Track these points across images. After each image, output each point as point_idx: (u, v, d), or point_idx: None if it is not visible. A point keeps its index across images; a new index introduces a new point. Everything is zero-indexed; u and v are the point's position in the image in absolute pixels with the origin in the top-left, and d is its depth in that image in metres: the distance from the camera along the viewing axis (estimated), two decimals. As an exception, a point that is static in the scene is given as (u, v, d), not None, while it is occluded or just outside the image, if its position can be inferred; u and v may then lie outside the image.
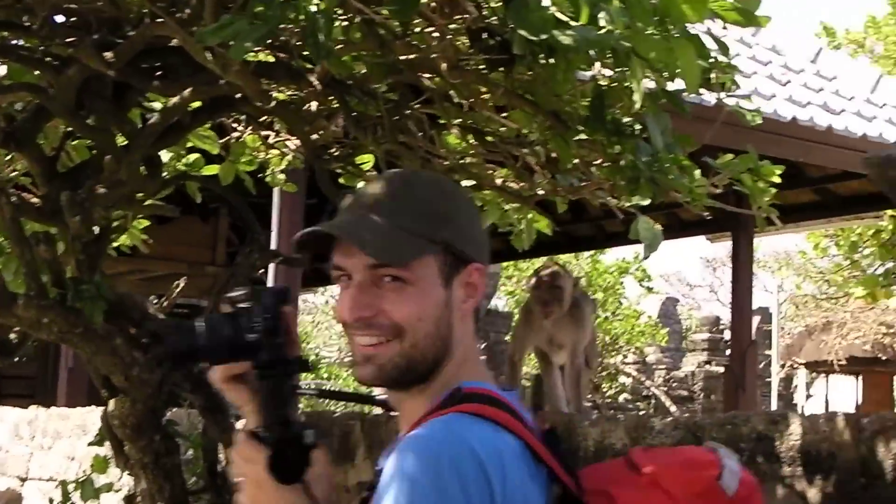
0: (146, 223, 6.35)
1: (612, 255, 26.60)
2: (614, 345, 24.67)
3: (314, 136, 4.83)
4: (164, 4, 4.35)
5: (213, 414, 5.81)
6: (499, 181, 4.83)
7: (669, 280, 39.00)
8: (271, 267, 9.09)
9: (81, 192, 4.59)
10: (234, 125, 5.64)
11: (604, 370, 25.17)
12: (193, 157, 6.02)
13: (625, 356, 26.40)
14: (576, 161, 4.70)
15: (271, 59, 4.54)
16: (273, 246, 9.16)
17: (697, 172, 4.52)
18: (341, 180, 5.51)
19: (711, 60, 4.38)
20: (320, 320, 39.21)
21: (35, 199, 4.93)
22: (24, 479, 8.32)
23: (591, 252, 25.54)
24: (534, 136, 4.71)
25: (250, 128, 5.53)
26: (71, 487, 6.22)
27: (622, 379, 26.69)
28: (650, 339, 26.80)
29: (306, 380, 30.49)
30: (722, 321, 29.00)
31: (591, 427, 4.46)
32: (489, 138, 4.88)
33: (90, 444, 5.79)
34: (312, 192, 7.58)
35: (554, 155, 4.73)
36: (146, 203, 5.47)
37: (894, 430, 3.51)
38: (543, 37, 3.53)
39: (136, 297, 5.61)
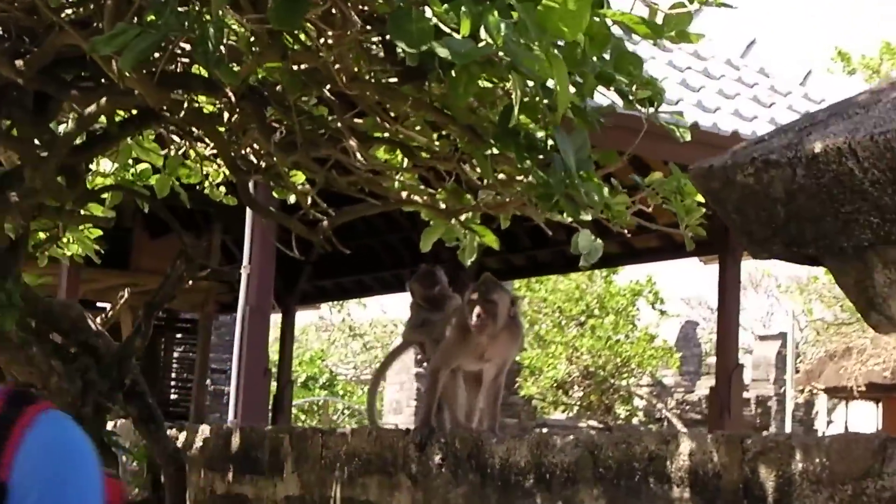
0: (97, 233, 6.32)
1: (626, 277, 26.53)
2: (626, 367, 24.52)
3: (232, 149, 4.81)
4: (72, 14, 4.36)
5: (146, 425, 5.79)
6: (420, 198, 4.80)
7: (690, 303, 38.73)
8: (243, 281, 9.09)
9: (-11, 201, 4.57)
10: (173, 137, 5.64)
11: (615, 392, 25.05)
12: (141, 166, 6.02)
13: (639, 379, 26.24)
14: (500, 176, 4.68)
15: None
16: (245, 256, 9.17)
17: (609, 191, 4.52)
18: (274, 194, 5.50)
19: (624, 77, 4.34)
20: (336, 338, 39.24)
21: (-44, 207, 4.92)
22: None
23: (605, 273, 25.45)
24: (459, 151, 4.68)
25: (185, 141, 5.53)
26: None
27: (636, 402, 26.54)
28: (662, 363, 26.62)
29: (318, 395, 30.50)
30: (739, 344, 28.84)
31: (497, 445, 4.41)
32: (423, 154, 4.86)
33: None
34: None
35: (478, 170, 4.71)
36: (80, 213, 5.45)
37: (776, 451, 3.45)
38: (423, 48, 3.51)
39: (69, 307, 5.60)
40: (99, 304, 15.22)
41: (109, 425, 6.21)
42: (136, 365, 5.83)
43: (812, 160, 2.18)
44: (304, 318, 42.58)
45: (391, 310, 42.59)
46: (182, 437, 6.30)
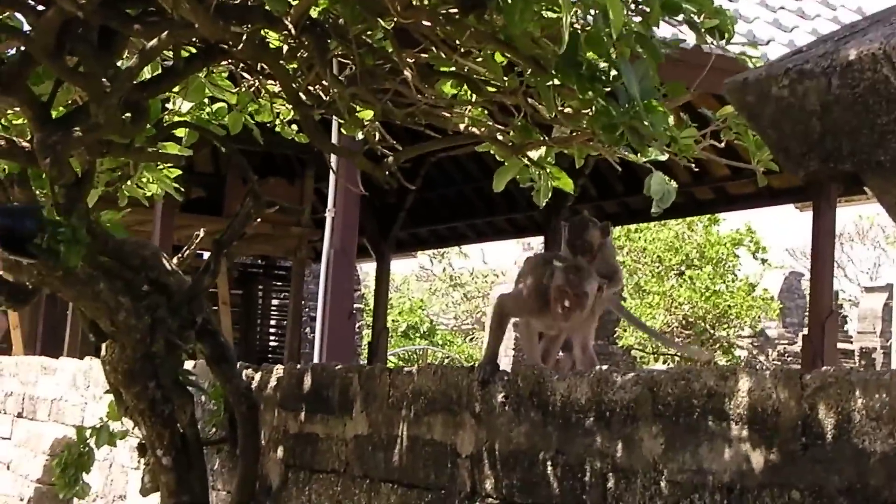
0: (176, 172, 6.30)
1: (728, 226, 26.19)
2: (725, 318, 24.25)
3: (296, 83, 4.77)
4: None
5: (218, 364, 5.81)
6: (483, 131, 4.72)
7: (794, 254, 38.16)
8: (327, 224, 9.10)
9: (54, 136, 4.58)
10: (244, 75, 5.61)
11: (715, 343, 24.80)
12: (217, 106, 6.01)
13: (740, 330, 25.94)
14: (567, 110, 4.58)
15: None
16: (330, 199, 9.17)
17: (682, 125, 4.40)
18: (343, 130, 5.45)
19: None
20: (437, 287, 39.36)
21: (25, 144, 4.95)
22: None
23: (706, 222, 25.12)
24: (525, 84, 4.59)
25: (255, 79, 5.50)
26: (88, 433, 6.28)
27: (738, 353, 26.25)
28: (764, 314, 26.28)
29: (419, 345, 30.64)
30: (844, 296, 28.33)
31: (558, 382, 4.34)
32: (489, 88, 4.78)
33: (105, 391, 5.82)
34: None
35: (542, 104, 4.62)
36: (150, 150, 5.45)
37: (835, 387, 3.32)
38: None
39: (143, 245, 5.61)
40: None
41: (189, 365, 6.24)
42: (209, 305, 5.85)
43: (846, 68, 2.05)
44: (405, 267, 42.82)
45: (492, 259, 42.61)
46: (257, 377, 6.32)
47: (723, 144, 4.78)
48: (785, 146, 2.23)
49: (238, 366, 5.97)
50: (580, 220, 6.01)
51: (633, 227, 24.79)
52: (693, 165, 4.67)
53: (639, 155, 4.44)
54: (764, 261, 25.82)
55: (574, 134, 4.73)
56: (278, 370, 6.30)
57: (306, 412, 5.89)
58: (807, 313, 29.55)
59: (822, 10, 10.84)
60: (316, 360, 8.98)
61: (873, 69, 2.02)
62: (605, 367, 4.31)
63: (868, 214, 34.43)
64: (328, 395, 5.68)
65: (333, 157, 9.21)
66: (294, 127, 5.88)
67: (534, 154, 4.99)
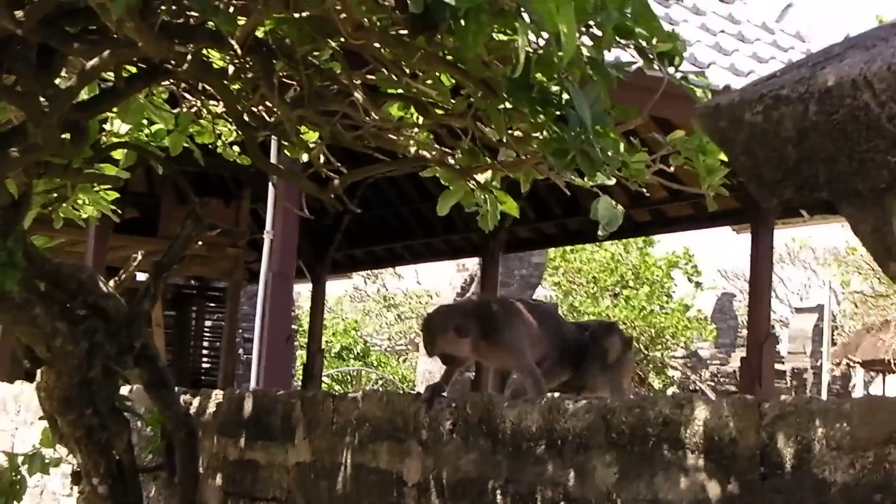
0: (113, 195, 6.16)
1: (663, 248, 26.28)
2: (660, 338, 24.34)
3: (241, 105, 4.67)
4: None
5: (156, 390, 5.68)
6: (431, 154, 4.65)
7: (727, 275, 38.47)
8: (265, 246, 8.98)
9: (-12, 156, 4.44)
10: (185, 96, 5.50)
11: (650, 363, 24.87)
12: (156, 127, 5.88)
13: (674, 350, 26.04)
14: (516, 133, 4.53)
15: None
16: (268, 220, 9.06)
17: (627, 149, 4.36)
18: (286, 152, 5.36)
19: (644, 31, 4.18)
20: (370, 308, 39.21)
21: (-42, 164, 4.79)
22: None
23: (641, 244, 25.23)
24: (474, 108, 4.53)
25: (197, 99, 5.39)
26: (21, 460, 6.11)
27: (671, 372, 26.35)
28: (698, 335, 26.43)
29: (352, 366, 30.46)
30: (776, 316, 28.57)
31: (508, 409, 4.27)
32: (437, 111, 4.72)
33: (39, 417, 5.66)
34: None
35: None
36: (87, 171, 5.32)
37: (795, 416, 3.28)
38: (428, -7, 3.36)
39: (79, 269, 5.47)
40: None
41: (125, 390, 6.08)
42: (147, 329, 5.71)
43: (824, 94, 2.00)
44: (339, 288, 42.59)
45: (426, 280, 42.56)
46: (196, 402, 6.19)
47: (672, 169, 4.75)
48: (758, 173, 2.18)
49: (176, 391, 5.84)
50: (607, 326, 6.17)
51: (569, 248, 24.85)
52: (643, 189, 4.63)
53: (585, 178, 4.40)
54: (698, 284, 25.97)
55: (524, 158, 4.68)
56: (217, 395, 6.18)
57: (247, 439, 5.78)
58: (739, 333, 29.76)
59: (761, 35, 10.90)
60: (253, 383, 8.85)
61: (853, 95, 1.97)
62: (556, 395, 4.24)
63: (800, 237, 34.79)
64: (270, 422, 5.57)
65: (273, 180, 9.09)
66: (236, 148, 5.78)
67: (480, 178, 4.95)
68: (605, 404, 3.91)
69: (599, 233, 4.43)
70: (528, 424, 4.18)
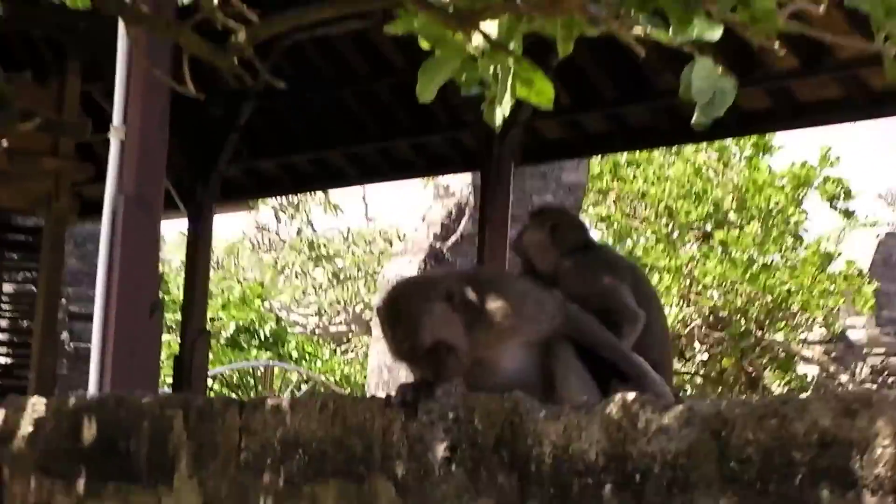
0: None
1: (785, 158, 26.15)
2: (782, 310, 24.43)
3: None
4: None
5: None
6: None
7: (894, 204, 38.71)
8: (112, 152, 8.95)
9: None
10: None
11: (765, 352, 24.99)
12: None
13: (807, 330, 26.17)
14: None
15: None
16: (117, 109, 9.04)
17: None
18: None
19: None
20: (288, 261, 39.37)
21: None
22: None
23: (749, 150, 25.28)
24: None
25: None
26: None
27: (801, 368, 26.52)
28: (850, 304, 26.54)
29: (257, 359, 30.57)
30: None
31: (546, 422, 4.27)
32: None
33: None
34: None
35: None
36: None
37: None
38: None
39: None
40: None
41: None
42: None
43: None
44: (233, 226, 42.77)
45: (382, 213, 42.74)
46: (-2, 417, 6.23)
47: (822, 8, 4.76)
48: None
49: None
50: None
51: (624, 157, 24.88)
52: (778, 46, 4.62)
53: (670, 31, 4.46)
54: (848, 213, 26.05)
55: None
56: (35, 407, 6.19)
57: (89, 479, 5.81)
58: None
59: None
60: (94, 387, 8.84)
61: None
62: (629, 395, 4.24)
63: None
64: (129, 450, 5.60)
65: (120, 39, 9.06)
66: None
67: (490, 29, 4.92)
68: (719, 411, 3.91)
69: (696, 118, 4.45)
70: (582, 448, 4.20)
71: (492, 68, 4.88)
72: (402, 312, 5.37)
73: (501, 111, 4.91)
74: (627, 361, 5.99)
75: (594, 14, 4.61)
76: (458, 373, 5.38)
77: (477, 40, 4.82)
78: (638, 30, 4.53)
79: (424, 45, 4.84)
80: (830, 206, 25.79)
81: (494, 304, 5.59)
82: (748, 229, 24.51)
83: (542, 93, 4.91)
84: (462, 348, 5.39)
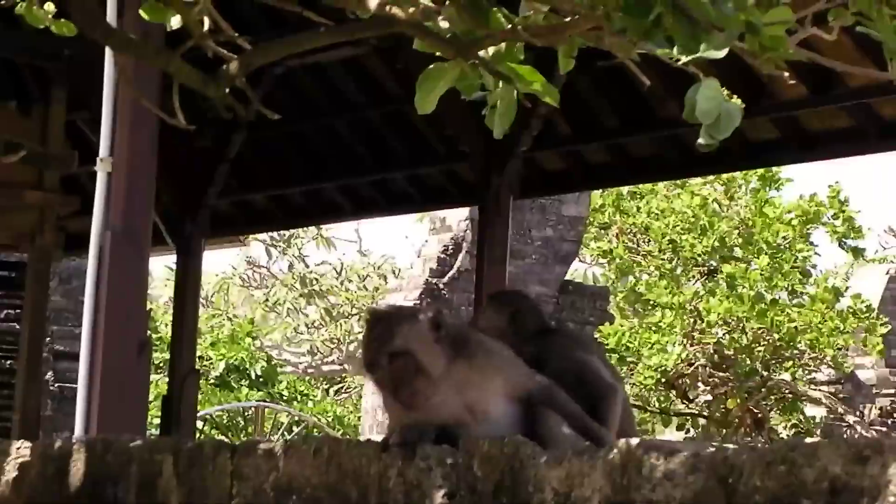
0: None
1: (793, 191, 26.18)
2: (789, 349, 24.40)
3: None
4: None
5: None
6: (405, 13, 4.64)
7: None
8: (99, 184, 8.95)
9: None
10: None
11: (771, 393, 24.95)
12: None
13: (814, 370, 26.11)
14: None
15: None
16: (104, 140, 9.04)
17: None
18: (142, 12, 5.36)
19: None
20: (280, 298, 39.31)
21: None
22: None
23: (756, 183, 25.27)
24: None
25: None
26: None
27: (810, 410, 26.49)
28: (861, 343, 26.49)
29: (248, 400, 30.52)
30: None
31: (549, 468, 4.28)
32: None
33: None
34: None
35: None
36: None
37: None
38: None
39: None
40: None
41: None
42: None
43: None
44: (223, 261, 42.68)
45: (377, 247, 42.71)
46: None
47: (835, 35, 4.81)
48: None
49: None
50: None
51: (627, 189, 24.87)
52: (784, 74, 4.64)
53: (675, 51, 4.48)
54: (856, 252, 26.05)
55: (564, 20, 4.72)
56: (20, 451, 6.18)
57: (75, 526, 5.79)
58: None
59: None
60: (80, 429, 8.83)
61: None
62: (633, 441, 4.24)
63: None
64: (116, 496, 5.59)
65: (107, 69, 9.07)
66: (49, 6, 5.76)
67: (488, 53, 4.95)
68: (726, 457, 3.92)
69: (702, 139, 4.47)
70: (584, 495, 4.19)
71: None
72: (383, 319, 5.48)
73: (506, 116, 4.93)
74: (596, 434, 6.02)
75: (592, 33, 4.65)
76: (420, 392, 5.41)
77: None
78: (641, 50, 4.56)
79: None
80: (840, 245, 25.80)
81: (478, 346, 5.70)
82: (757, 263, 24.51)
83: (548, 93, 4.93)
84: (432, 373, 5.44)
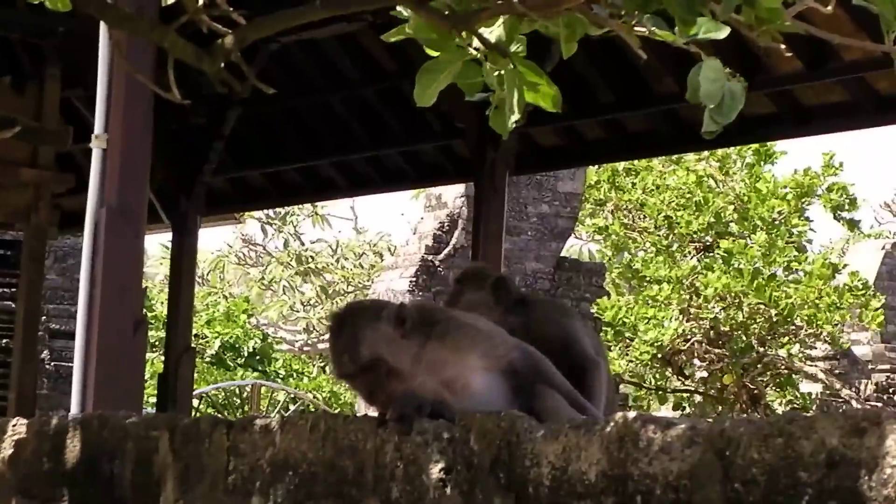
0: None
1: (787, 166, 26.15)
2: (786, 324, 24.37)
3: None
4: None
5: None
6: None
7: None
8: (94, 162, 8.94)
9: None
10: None
11: (767, 369, 24.92)
12: None
13: (809, 346, 26.08)
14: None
15: None
16: (98, 117, 9.03)
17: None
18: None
19: None
20: (275, 276, 39.30)
21: None
22: None
23: (751, 158, 25.24)
24: None
25: None
26: None
27: (805, 386, 26.47)
28: (856, 318, 26.48)
29: (243, 378, 30.50)
30: None
31: (546, 443, 4.27)
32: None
33: None
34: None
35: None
36: None
37: None
38: None
39: None
40: None
41: None
42: None
43: None
44: (218, 239, 42.66)
45: (372, 224, 42.67)
46: None
47: (830, 8, 4.78)
48: None
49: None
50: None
51: (622, 165, 24.84)
52: (782, 47, 4.63)
53: (675, 31, 4.46)
54: (853, 224, 26.00)
55: None
56: (17, 428, 6.18)
57: (71, 502, 5.79)
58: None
59: None
60: (76, 407, 8.83)
61: None
62: (630, 414, 4.24)
63: None
64: (113, 472, 5.58)
65: (102, 45, 9.06)
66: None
67: (490, 33, 4.92)
68: (723, 430, 3.91)
69: (706, 126, 4.45)
70: (581, 469, 4.19)
71: (495, 73, 4.88)
72: (346, 325, 5.46)
73: (511, 115, 4.90)
74: (581, 406, 5.99)
75: (595, 14, 4.62)
76: (395, 394, 5.40)
77: (476, 43, 4.82)
78: (641, 29, 4.54)
79: (430, 52, 4.82)
80: (834, 217, 25.76)
81: (448, 323, 5.70)
82: (754, 239, 24.47)
83: (548, 96, 4.91)
84: (405, 370, 5.43)
